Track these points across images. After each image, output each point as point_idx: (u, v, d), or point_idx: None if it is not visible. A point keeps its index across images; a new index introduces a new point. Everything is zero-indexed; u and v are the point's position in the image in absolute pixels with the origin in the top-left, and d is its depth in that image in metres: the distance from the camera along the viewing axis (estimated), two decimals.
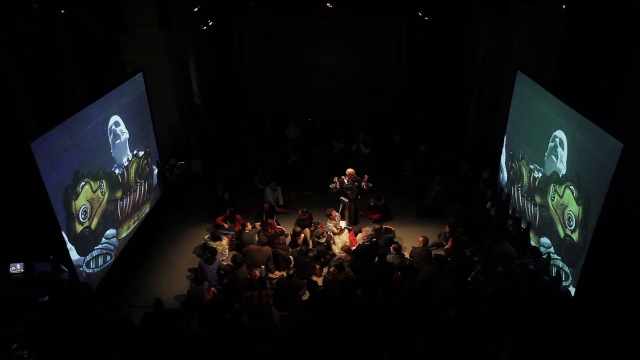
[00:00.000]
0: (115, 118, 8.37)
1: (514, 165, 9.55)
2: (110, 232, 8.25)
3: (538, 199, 8.46)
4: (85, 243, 7.51)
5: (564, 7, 8.28)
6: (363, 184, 9.58)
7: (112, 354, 6.04)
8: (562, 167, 7.64)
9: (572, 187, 7.30)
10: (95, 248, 7.80)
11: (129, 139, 8.85)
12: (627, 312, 6.67)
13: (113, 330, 6.42)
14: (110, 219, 8.22)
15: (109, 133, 8.17)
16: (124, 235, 8.74)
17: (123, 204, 8.67)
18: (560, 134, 7.73)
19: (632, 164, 6.14)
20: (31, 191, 6.49)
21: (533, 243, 8.62)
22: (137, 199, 9.22)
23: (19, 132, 8.07)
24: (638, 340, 6.37)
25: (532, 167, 8.65)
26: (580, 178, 7.07)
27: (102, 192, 7.94)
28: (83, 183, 7.39)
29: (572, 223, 7.31)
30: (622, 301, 6.79)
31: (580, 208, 7.05)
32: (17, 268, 7.45)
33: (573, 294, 7.26)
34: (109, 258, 8.19)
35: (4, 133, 8.02)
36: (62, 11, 8.19)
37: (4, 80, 8.04)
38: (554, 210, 7.89)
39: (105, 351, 6.03)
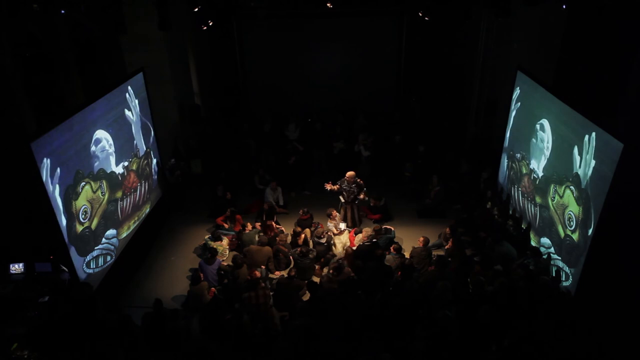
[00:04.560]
0: (100, 133, 7.88)
1: (514, 165, 9.55)
2: (110, 232, 8.24)
3: (538, 199, 8.46)
4: (85, 243, 7.51)
5: (564, 7, 8.28)
6: (361, 194, 9.63)
7: (112, 354, 6.04)
8: (563, 167, 7.63)
9: (572, 187, 7.31)
10: (95, 248, 7.80)
11: (117, 150, 8.50)
12: (627, 312, 6.67)
13: (113, 330, 6.42)
14: (110, 219, 8.22)
15: (92, 144, 7.76)
16: (124, 235, 8.74)
17: (123, 204, 8.67)
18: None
19: (632, 164, 6.15)
20: (31, 191, 6.49)
21: (533, 243, 8.62)
22: (137, 199, 9.21)
23: (19, 132, 8.07)
24: (638, 341, 6.37)
25: (531, 167, 8.66)
26: (580, 178, 7.08)
27: (102, 192, 7.93)
28: (83, 183, 7.39)
29: (572, 223, 7.31)
30: (622, 301, 6.79)
31: (580, 208, 7.05)
32: (17, 268, 7.46)
33: (573, 293, 7.26)
34: (109, 258, 8.19)
35: (4, 133, 8.03)
36: (62, 11, 8.18)
37: (4, 80, 8.04)
38: (554, 210, 7.89)
39: (106, 351, 6.03)
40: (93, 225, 7.69)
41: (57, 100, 9.55)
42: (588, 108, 7.09)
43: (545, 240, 8.22)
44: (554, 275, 7.72)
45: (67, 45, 9.65)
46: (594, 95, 8.25)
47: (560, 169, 7.72)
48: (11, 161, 7.27)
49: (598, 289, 6.91)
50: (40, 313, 6.81)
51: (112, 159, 8.30)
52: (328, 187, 9.63)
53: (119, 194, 8.50)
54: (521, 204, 9.20)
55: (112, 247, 8.29)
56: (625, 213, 6.82)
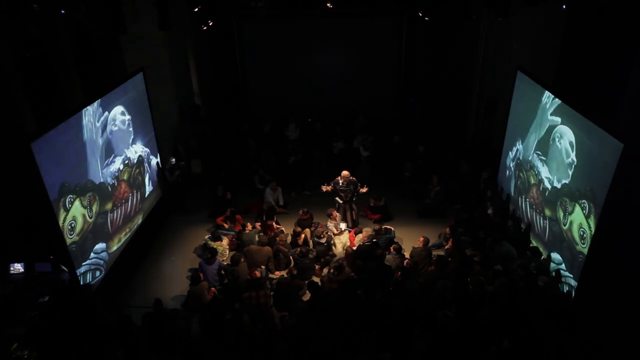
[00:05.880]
0: (120, 108, 8.51)
1: (521, 174, 9.30)
2: (99, 246, 7.88)
3: (547, 212, 8.15)
4: (73, 259, 7.14)
5: (564, 7, 8.28)
6: (360, 189, 9.64)
7: (112, 354, 6.04)
8: (569, 169, 7.49)
9: (584, 202, 7.03)
10: (83, 264, 7.44)
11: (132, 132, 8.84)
12: (627, 312, 6.67)
13: (113, 330, 6.42)
14: (99, 232, 7.86)
15: (109, 121, 8.06)
16: (114, 248, 8.40)
17: (113, 216, 8.31)
18: (562, 132, 7.69)
19: (632, 164, 6.14)
20: (31, 191, 6.49)
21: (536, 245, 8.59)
22: (128, 209, 8.88)
23: (18, 132, 8.06)
24: (638, 341, 6.37)
25: (540, 177, 8.40)
26: (594, 191, 6.75)
27: (90, 205, 7.60)
28: (70, 196, 7.07)
29: (584, 239, 7.00)
30: (622, 301, 6.79)
31: (593, 223, 6.78)
32: (17, 268, 7.44)
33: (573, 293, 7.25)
34: (98, 273, 7.85)
35: (4, 133, 8.02)
36: (62, 11, 8.17)
37: (4, 80, 8.03)
38: (564, 225, 7.60)
39: (106, 351, 6.04)
40: (81, 240, 7.35)
41: (57, 100, 9.53)
42: (588, 108, 7.07)
43: (555, 256, 7.89)
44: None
45: (67, 45, 9.62)
46: (594, 95, 8.22)
47: (573, 183, 7.37)
48: (11, 161, 7.26)
49: (598, 289, 6.90)
50: (40, 313, 6.81)
51: (130, 138, 8.54)
52: (324, 188, 9.65)
53: (108, 206, 8.15)
54: (529, 216, 8.89)
55: (102, 261, 7.97)
56: (625, 213, 6.81)
